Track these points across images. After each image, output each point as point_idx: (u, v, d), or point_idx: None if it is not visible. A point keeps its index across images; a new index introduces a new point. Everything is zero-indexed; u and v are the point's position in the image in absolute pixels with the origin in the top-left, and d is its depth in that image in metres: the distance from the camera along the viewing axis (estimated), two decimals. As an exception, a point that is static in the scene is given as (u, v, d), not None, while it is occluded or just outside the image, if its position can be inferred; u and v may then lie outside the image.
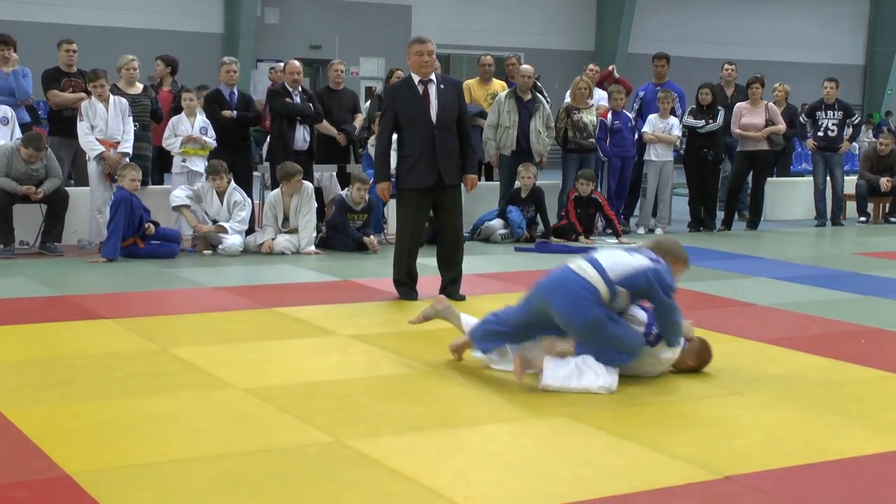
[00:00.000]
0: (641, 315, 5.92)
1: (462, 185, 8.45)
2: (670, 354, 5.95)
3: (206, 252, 10.70)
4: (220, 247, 10.63)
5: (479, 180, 13.54)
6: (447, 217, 8.45)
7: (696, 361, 6.11)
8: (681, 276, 6.09)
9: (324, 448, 4.69)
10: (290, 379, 5.87)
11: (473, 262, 10.48)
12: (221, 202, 10.77)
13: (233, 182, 10.83)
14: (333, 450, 4.67)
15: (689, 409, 5.44)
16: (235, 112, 11.60)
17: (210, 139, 11.34)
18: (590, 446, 4.83)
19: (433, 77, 8.22)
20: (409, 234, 8.40)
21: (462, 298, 8.36)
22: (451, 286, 8.51)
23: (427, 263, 10.32)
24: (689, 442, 4.90)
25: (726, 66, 14.90)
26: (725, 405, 5.53)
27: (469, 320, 6.35)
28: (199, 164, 11.33)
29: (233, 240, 10.61)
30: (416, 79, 8.22)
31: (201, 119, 11.42)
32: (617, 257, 5.85)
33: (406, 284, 8.43)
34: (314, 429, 4.94)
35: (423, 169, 8.18)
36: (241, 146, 11.75)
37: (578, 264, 5.85)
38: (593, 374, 5.68)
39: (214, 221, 10.78)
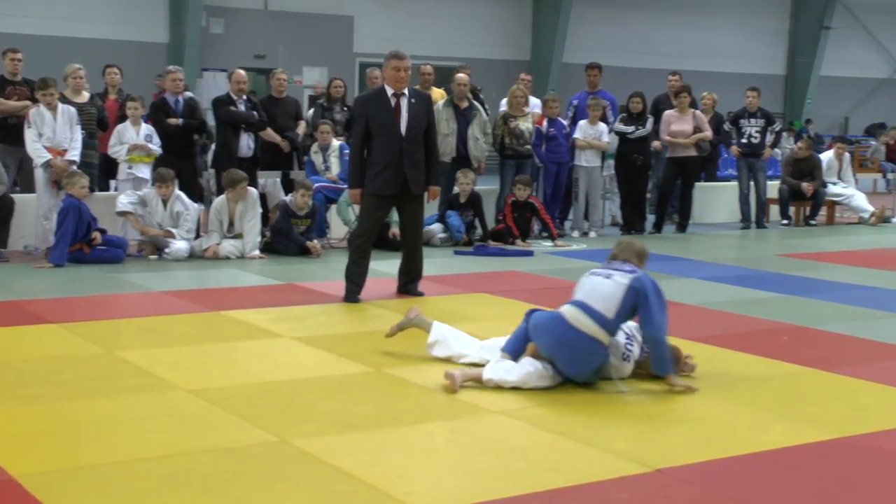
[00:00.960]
0: (620, 337, 5.85)
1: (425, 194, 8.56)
2: (632, 366, 5.91)
3: (152, 257, 10.58)
4: (166, 251, 10.52)
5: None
6: (411, 225, 8.59)
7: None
8: None
9: (269, 447, 4.66)
10: (236, 380, 5.83)
11: (414, 265, 10.48)
12: (166, 209, 10.66)
13: (176, 190, 10.72)
14: (278, 449, 4.65)
15: (623, 405, 5.48)
16: (181, 119, 11.50)
17: (155, 147, 11.23)
18: (527, 443, 4.85)
19: (405, 91, 8.31)
20: (368, 234, 8.47)
21: (420, 294, 8.57)
22: (409, 284, 8.67)
23: (377, 268, 10.29)
24: (623, 437, 4.94)
25: (671, 76, 15.03)
26: (657, 401, 5.58)
27: (442, 328, 6.33)
28: (145, 171, 11.22)
29: (179, 244, 10.51)
30: (389, 91, 8.29)
31: (146, 127, 11.31)
32: (600, 291, 5.67)
33: (354, 283, 8.41)
34: (259, 429, 4.91)
35: (388, 177, 8.25)
36: (186, 153, 11.65)
37: (574, 316, 5.64)
38: (534, 371, 5.69)
39: (159, 227, 10.67)
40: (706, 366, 6.31)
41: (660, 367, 5.74)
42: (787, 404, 5.59)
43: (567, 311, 5.72)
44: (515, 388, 5.65)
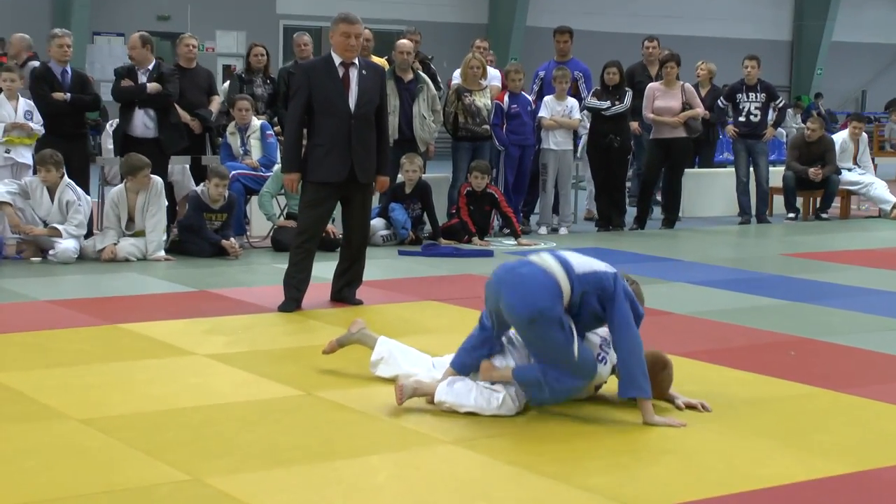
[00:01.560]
0: (594, 338, 5.87)
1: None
2: (608, 371, 5.91)
3: (34, 259, 10.50)
4: (50, 252, 10.44)
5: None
6: (356, 218, 8.62)
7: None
8: None
9: (178, 487, 4.65)
10: (138, 407, 5.80)
11: (351, 269, 10.48)
12: (52, 200, 10.58)
13: (66, 177, 10.64)
14: (190, 489, 4.63)
15: (599, 435, 5.51)
16: (69, 94, 11.40)
17: (37, 125, 11.12)
18: (486, 478, 4.87)
19: (356, 61, 8.33)
20: (311, 231, 8.50)
21: (359, 303, 8.61)
22: (346, 289, 8.68)
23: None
24: (599, 471, 4.97)
25: (647, 42, 15.11)
26: (639, 429, 5.62)
27: (388, 343, 6.34)
28: (26, 155, 11.11)
29: (66, 244, 10.44)
30: (336, 60, 8.28)
31: (25, 102, 11.20)
32: (583, 258, 5.77)
33: (296, 289, 8.44)
34: (166, 465, 4.89)
35: (334, 161, 8.27)
36: (75, 134, 11.53)
37: (540, 256, 5.76)
38: (495, 397, 5.70)
39: (45, 223, 10.58)
40: (698, 386, 6.36)
41: (629, 385, 5.66)
42: (793, 431, 5.65)
43: (535, 255, 5.83)
44: (471, 414, 5.67)
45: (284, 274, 8.53)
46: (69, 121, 11.44)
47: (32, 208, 10.61)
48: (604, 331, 5.90)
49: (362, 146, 8.34)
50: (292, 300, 8.41)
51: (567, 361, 5.58)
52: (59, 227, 10.51)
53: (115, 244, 10.61)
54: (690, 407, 5.87)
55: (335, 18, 8.36)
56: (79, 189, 10.72)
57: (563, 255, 5.73)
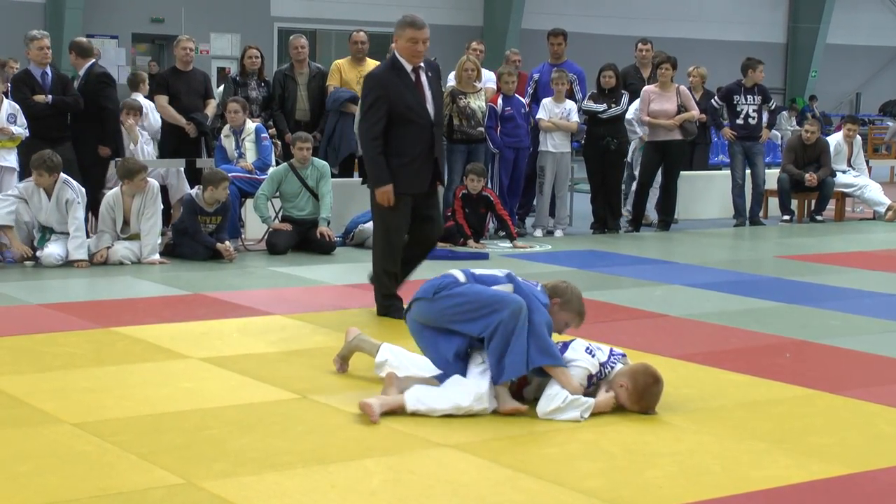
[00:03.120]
0: (587, 363, 5.87)
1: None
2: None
3: (28, 262, 10.47)
4: (38, 252, 10.40)
5: (352, 175, 13.67)
6: (431, 226, 8.41)
7: (638, 403, 5.84)
8: (564, 325, 6.13)
9: (172, 491, 4.64)
10: (132, 411, 5.79)
11: (345, 271, 10.49)
12: (50, 200, 10.50)
13: (62, 175, 10.53)
14: (183, 493, 4.62)
15: (594, 437, 5.51)
16: (50, 97, 11.36)
17: (20, 128, 11.05)
18: (481, 481, 4.86)
19: (422, 63, 8.13)
20: (397, 243, 8.26)
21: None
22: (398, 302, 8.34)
23: (302, 275, 10.29)
24: (595, 473, 4.96)
25: (640, 45, 15.13)
26: (635, 431, 5.62)
27: (390, 346, 6.33)
28: (10, 159, 11.06)
29: (51, 249, 10.37)
30: (406, 66, 8.05)
31: (9, 105, 11.14)
32: (490, 271, 6.15)
33: (396, 297, 8.26)
34: (160, 469, 4.88)
35: (417, 172, 8.09)
36: (58, 137, 11.44)
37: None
38: (467, 389, 5.72)
39: (50, 230, 10.51)
40: (693, 389, 6.36)
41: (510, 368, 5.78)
42: (789, 434, 5.65)
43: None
44: (448, 416, 5.65)
45: (378, 286, 8.34)
46: (52, 122, 11.38)
47: (33, 213, 10.54)
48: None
49: (440, 153, 8.28)
50: (397, 311, 8.12)
51: (486, 303, 5.82)
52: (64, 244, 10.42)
53: (109, 248, 10.59)
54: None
55: (400, 22, 8.08)
56: (75, 184, 10.59)
57: (467, 269, 6.13)
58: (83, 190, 10.68)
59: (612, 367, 5.91)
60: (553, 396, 5.71)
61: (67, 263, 10.38)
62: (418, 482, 4.84)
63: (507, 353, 5.71)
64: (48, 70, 11.56)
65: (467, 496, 4.67)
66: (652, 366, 5.96)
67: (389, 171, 8.02)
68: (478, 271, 6.12)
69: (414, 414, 5.67)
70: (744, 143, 14.64)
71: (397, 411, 5.70)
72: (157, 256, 10.68)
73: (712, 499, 4.69)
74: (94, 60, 12.07)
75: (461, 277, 6.02)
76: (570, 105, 13.34)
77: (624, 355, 6.05)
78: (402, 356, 6.29)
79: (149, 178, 10.81)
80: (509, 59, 14.09)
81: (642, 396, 5.81)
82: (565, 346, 5.96)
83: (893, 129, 26.21)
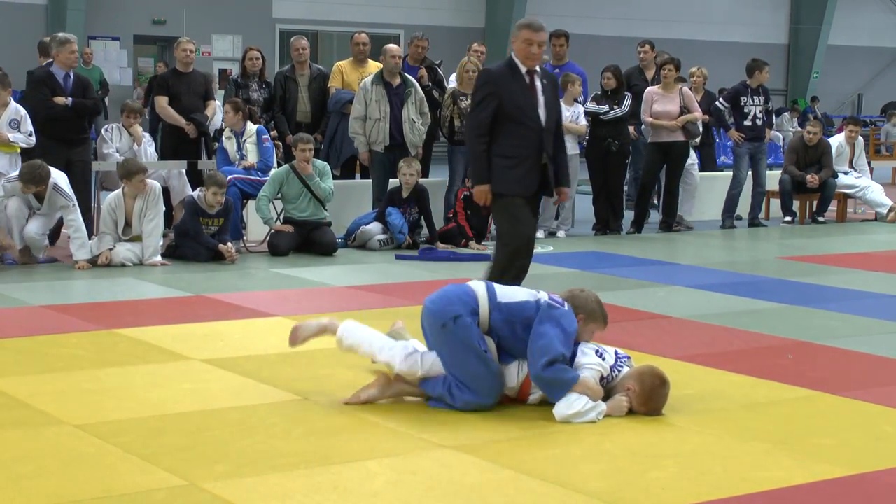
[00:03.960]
0: (599, 366, 5.86)
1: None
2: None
3: (27, 264, 10.48)
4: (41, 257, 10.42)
5: (353, 177, 13.68)
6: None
7: (645, 405, 5.84)
8: (592, 334, 6.07)
9: (174, 493, 4.64)
10: (134, 412, 5.79)
11: (348, 273, 10.50)
12: (42, 206, 10.48)
13: (51, 182, 10.38)
14: (186, 494, 4.63)
15: (597, 438, 5.51)
16: (70, 99, 11.35)
17: (22, 135, 10.96)
18: (484, 483, 4.86)
19: (538, 69, 8.02)
20: (524, 245, 8.09)
21: None
22: None
23: (303, 276, 10.30)
24: (598, 475, 4.97)
25: (640, 47, 15.10)
26: (637, 432, 5.62)
27: (418, 346, 6.25)
28: (2, 163, 10.99)
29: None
30: (521, 68, 7.93)
31: (15, 110, 11.10)
32: (517, 290, 6.05)
33: None
34: (162, 470, 4.88)
35: (526, 174, 7.96)
36: (76, 140, 11.47)
37: (473, 282, 6.04)
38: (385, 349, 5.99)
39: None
40: (695, 390, 6.36)
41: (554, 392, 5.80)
42: (791, 435, 5.65)
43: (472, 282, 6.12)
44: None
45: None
46: (71, 125, 11.38)
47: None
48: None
49: (550, 159, 8.08)
50: None
51: (471, 375, 5.77)
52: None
53: (111, 249, 10.59)
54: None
55: (518, 24, 8.02)
56: (65, 188, 10.46)
57: (492, 285, 6.00)
58: (72, 196, 10.49)
59: (619, 371, 5.90)
60: (573, 401, 5.70)
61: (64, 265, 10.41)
62: (420, 483, 4.84)
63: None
64: (71, 73, 11.54)
65: (469, 497, 4.67)
66: (658, 367, 5.95)
67: (490, 170, 7.92)
68: (505, 296, 5.91)
69: (340, 343, 6.10)
70: (752, 144, 14.60)
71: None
72: (158, 258, 10.68)
73: (714, 500, 4.69)
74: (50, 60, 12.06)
75: (480, 301, 5.86)
76: (579, 108, 13.35)
77: (629, 357, 6.05)
78: (427, 357, 6.16)
79: (150, 180, 10.81)
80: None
81: (650, 398, 5.81)
82: (575, 346, 5.93)
83: (886, 129, 26.22)
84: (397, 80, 12.51)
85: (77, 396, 6.08)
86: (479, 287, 5.96)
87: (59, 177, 10.40)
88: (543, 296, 5.93)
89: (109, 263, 10.50)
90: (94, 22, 24.71)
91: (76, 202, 10.48)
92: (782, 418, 5.94)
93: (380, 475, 4.93)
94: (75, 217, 10.43)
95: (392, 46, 12.74)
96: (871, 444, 5.51)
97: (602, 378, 5.86)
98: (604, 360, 5.90)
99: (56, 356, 7.00)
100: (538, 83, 7.97)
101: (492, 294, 5.89)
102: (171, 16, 25.66)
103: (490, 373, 5.80)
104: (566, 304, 5.92)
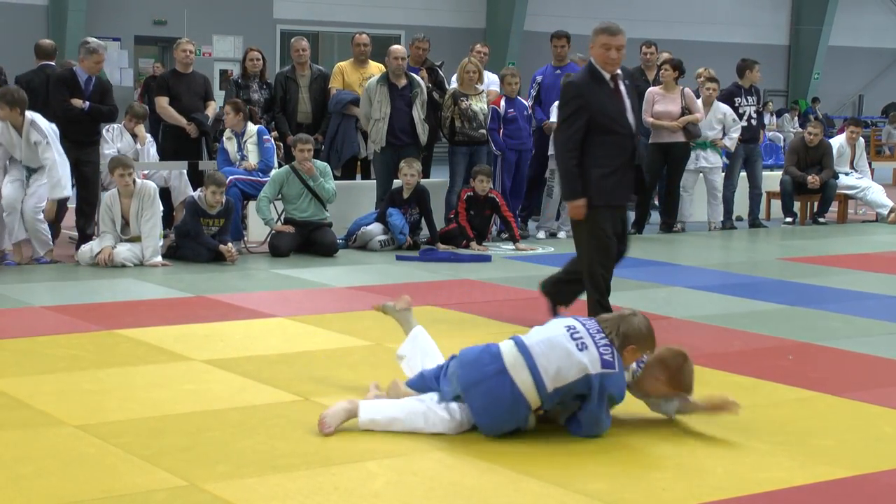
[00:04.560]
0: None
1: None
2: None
3: (26, 264, 10.49)
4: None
5: (354, 178, 13.68)
6: (623, 237, 8.00)
7: (679, 386, 5.72)
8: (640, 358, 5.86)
9: (175, 493, 4.64)
10: (134, 413, 5.79)
11: (348, 274, 10.50)
12: (21, 137, 10.38)
13: (28, 115, 10.33)
14: (186, 495, 4.63)
15: (598, 440, 5.50)
16: (87, 103, 11.32)
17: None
18: (483, 484, 4.86)
19: (618, 71, 7.80)
20: (607, 258, 7.79)
21: (555, 313, 7.96)
22: (571, 289, 8.14)
23: (306, 277, 10.31)
24: (598, 476, 4.97)
25: (644, 47, 15.11)
26: (638, 433, 5.62)
27: (419, 341, 6.18)
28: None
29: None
30: (604, 74, 7.72)
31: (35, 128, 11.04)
32: (558, 357, 5.42)
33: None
34: (163, 471, 4.88)
35: (619, 182, 7.73)
36: (87, 141, 11.45)
37: (513, 361, 5.45)
38: (429, 416, 5.51)
39: (30, 170, 10.44)
40: (696, 391, 6.35)
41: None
42: (792, 436, 5.65)
43: (506, 349, 5.53)
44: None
45: (597, 307, 7.62)
46: (84, 128, 11.34)
47: (9, 151, 10.49)
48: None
49: (639, 164, 7.95)
50: None
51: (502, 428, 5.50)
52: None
53: (113, 248, 10.58)
54: (716, 408, 5.65)
55: (595, 28, 7.82)
56: (43, 125, 10.44)
57: (536, 365, 5.41)
58: (54, 131, 10.53)
59: (641, 365, 5.73)
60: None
61: (76, 265, 10.39)
62: (421, 484, 4.84)
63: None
64: (93, 76, 11.52)
65: (470, 498, 4.67)
66: (672, 346, 5.81)
67: (582, 184, 7.65)
68: (557, 376, 5.39)
69: (370, 425, 5.49)
70: (746, 146, 14.61)
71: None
72: (158, 259, 10.68)
73: (715, 500, 4.69)
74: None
75: (532, 402, 5.42)
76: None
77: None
78: (421, 353, 6.13)
79: (144, 181, 10.82)
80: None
81: (680, 376, 5.66)
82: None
83: (887, 130, 26.23)
84: (402, 82, 12.50)
85: (77, 397, 6.08)
86: (526, 382, 5.40)
87: (36, 115, 10.48)
88: (594, 362, 5.41)
89: (111, 259, 10.46)
90: (94, 22, 24.70)
91: (52, 140, 10.44)
92: (783, 419, 5.94)
93: (380, 476, 4.93)
94: (49, 154, 10.40)
95: (395, 48, 12.74)
96: (871, 445, 5.51)
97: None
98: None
99: (56, 357, 7.00)
100: (622, 87, 7.79)
101: (540, 385, 5.39)
102: (171, 16, 25.67)
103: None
104: (616, 360, 5.48)
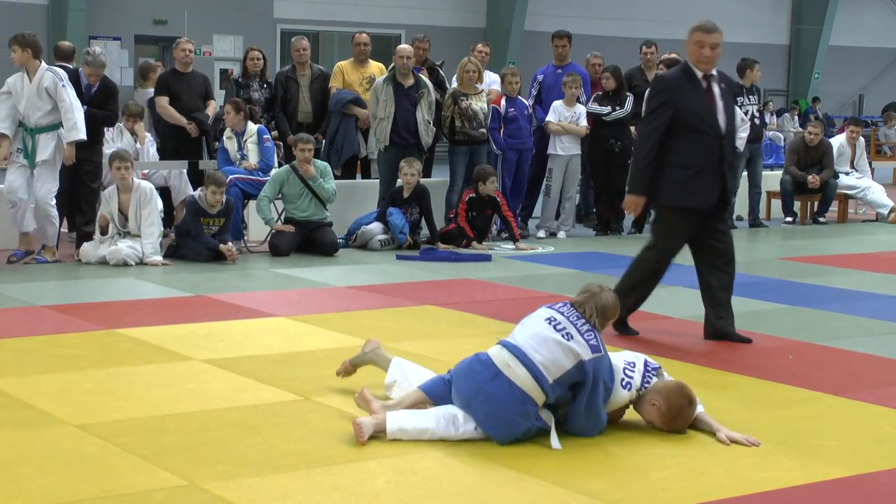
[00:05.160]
0: (618, 362, 5.66)
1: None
2: (631, 395, 5.66)
3: (27, 262, 10.49)
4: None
5: (354, 177, 13.68)
6: (725, 245, 7.83)
7: (669, 424, 5.63)
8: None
9: (175, 493, 4.64)
10: (135, 412, 5.79)
11: (348, 273, 10.50)
12: (31, 82, 10.38)
13: (44, 64, 10.46)
14: (187, 494, 4.63)
15: (598, 439, 5.51)
16: (86, 107, 11.30)
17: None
18: (485, 482, 4.86)
19: (714, 73, 7.66)
20: (664, 260, 7.81)
21: (747, 340, 7.76)
22: (728, 321, 7.90)
23: (306, 277, 10.29)
24: (599, 475, 4.97)
25: (645, 47, 15.11)
26: (638, 433, 5.62)
27: (401, 366, 6.02)
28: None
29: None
30: (697, 73, 7.60)
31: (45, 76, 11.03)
32: (549, 349, 5.40)
33: (626, 309, 7.59)
34: (163, 470, 4.88)
35: (705, 185, 7.55)
36: (88, 144, 11.41)
37: (504, 361, 5.41)
38: (458, 421, 5.44)
39: (32, 131, 10.45)
40: (696, 391, 6.34)
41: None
42: (792, 436, 5.65)
43: (495, 354, 5.48)
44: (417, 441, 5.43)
45: (620, 289, 7.35)
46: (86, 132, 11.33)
47: (17, 100, 10.49)
48: (629, 354, 5.83)
49: (730, 168, 7.73)
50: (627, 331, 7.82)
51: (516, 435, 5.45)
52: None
53: (114, 237, 10.58)
54: (735, 441, 5.50)
55: (692, 27, 7.65)
56: (60, 71, 10.50)
57: (530, 359, 5.37)
58: (65, 82, 10.52)
59: (649, 383, 5.68)
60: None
61: (76, 264, 10.39)
62: (421, 484, 4.84)
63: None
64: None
65: (470, 498, 4.67)
66: (686, 385, 5.71)
67: (651, 182, 7.59)
68: (552, 366, 5.37)
69: (393, 435, 5.39)
70: (750, 145, 14.58)
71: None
72: (158, 258, 10.68)
73: (715, 500, 4.69)
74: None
75: (538, 399, 5.37)
76: (580, 109, 13.35)
77: (659, 367, 5.79)
78: (412, 374, 5.97)
79: (140, 181, 10.83)
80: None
81: (675, 418, 5.60)
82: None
83: (884, 131, 26.24)
84: (409, 81, 12.50)
85: (78, 396, 6.08)
86: (526, 381, 5.35)
87: (54, 69, 10.56)
88: (583, 349, 5.41)
89: (107, 226, 10.44)
90: (95, 22, 24.71)
91: (67, 84, 10.47)
92: (783, 419, 5.94)
93: (381, 475, 4.93)
94: (65, 98, 10.40)
95: (403, 47, 12.76)
96: (871, 446, 5.51)
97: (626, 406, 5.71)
98: (629, 388, 5.64)
99: (57, 356, 7.00)
100: (715, 88, 7.63)
101: (540, 378, 5.34)
102: (172, 16, 25.67)
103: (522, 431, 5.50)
104: (600, 342, 5.49)
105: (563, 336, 5.44)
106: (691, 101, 7.54)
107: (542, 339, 5.44)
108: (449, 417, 5.42)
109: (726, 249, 7.84)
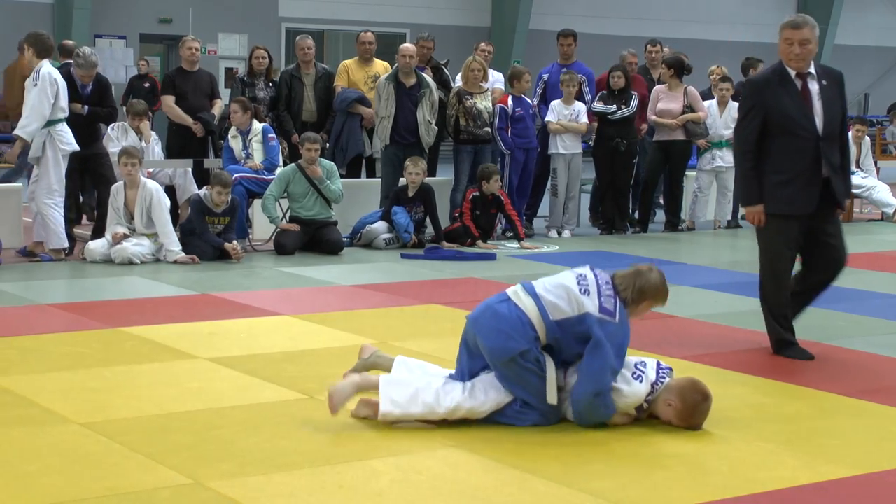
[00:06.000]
0: (629, 358, 5.72)
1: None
2: (646, 388, 5.66)
3: (32, 260, 10.50)
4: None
5: (359, 176, 13.68)
6: (833, 250, 7.44)
7: (686, 421, 5.65)
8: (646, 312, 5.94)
9: (179, 491, 4.64)
10: (140, 411, 5.80)
11: (353, 272, 10.50)
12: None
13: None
14: (191, 493, 4.63)
15: (602, 438, 5.51)
16: (86, 107, 11.32)
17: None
18: (489, 482, 4.86)
19: (812, 70, 7.28)
20: (782, 273, 7.50)
21: (810, 357, 7.35)
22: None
23: (311, 275, 10.30)
24: (603, 475, 4.96)
25: (650, 46, 15.10)
26: (642, 432, 5.61)
27: (406, 363, 6.02)
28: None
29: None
30: (790, 71, 7.24)
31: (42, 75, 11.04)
32: (561, 296, 5.61)
33: (791, 342, 7.39)
34: (168, 469, 4.89)
35: (799, 190, 7.19)
36: (88, 143, 11.43)
37: (516, 292, 5.70)
38: (440, 393, 5.57)
39: None
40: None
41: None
42: (798, 435, 5.65)
43: (512, 288, 5.82)
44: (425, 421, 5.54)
45: (769, 329, 7.50)
46: (85, 130, 11.32)
47: None
48: (641, 358, 5.85)
49: (832, 169, 7.22)
50: (799, 353, 7.36)
51: (540, 398, 5.59)
52: None
53: (123, 235, 10.59)
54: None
55: (781, 24, 7.28)
56: (42, 71, 10.44)
57: (539, 296, 5.64)
58: (62, 83, 10.52)
59: (662, 382, 5.68)
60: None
61: (82, 262, 10.39)
62: (426, 483, 4.84)
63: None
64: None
65: (474, 497, 4.67)
66: (700, 381, 5.72)
67: (761, 188, 7.27)
68: (555, 310, 5.58)
69: (384, 417, 5.51)
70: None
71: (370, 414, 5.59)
72: (182, 255, 10.65)
73: (719, 500, 4.69)
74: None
75: (537, 326, 5.56)
76: (579, 107, 13.34)
77: (670, 369, 5.78)
78: (417, 370, 5.99)
79: (146, 180, 10.84)
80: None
81: (692, 415, 5.62)
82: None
83: (891, 130, 26.20)
84: (412, 80, 12.50)
85: (83, 395, 6.09)
86: (529, 306, 5.60)
87: (45, 62, 10.57)
88: (593, 306, 5.58)
89: (121, 243, 10.47)
90: (100, 21, 24.73)
91: (42, 86, 10.37)
92: (787, 419, 5.94)
93: (385, 474, 4.93)
94: (29, 96, 10.36)
95: (405, 46, 12.76)
96: (876, 445, 5.50)
97: (639, 408, 5.69)
98: (641, 381, 5.66)
99: (62, 354, 7.01)
100: (812, 87, 7.25)
101: (543, 312, 5.57)
102: (177, 14, 25.68)
103: (554, 404, 5.61)
104: (616, 310, 5.64)
105: (580, 290, 5.65)
106: (783, 103, 7.19)
107: (557, 285, 5.70)
108: (440, 378, 5.69)
109: (831, 261, 7.48)
